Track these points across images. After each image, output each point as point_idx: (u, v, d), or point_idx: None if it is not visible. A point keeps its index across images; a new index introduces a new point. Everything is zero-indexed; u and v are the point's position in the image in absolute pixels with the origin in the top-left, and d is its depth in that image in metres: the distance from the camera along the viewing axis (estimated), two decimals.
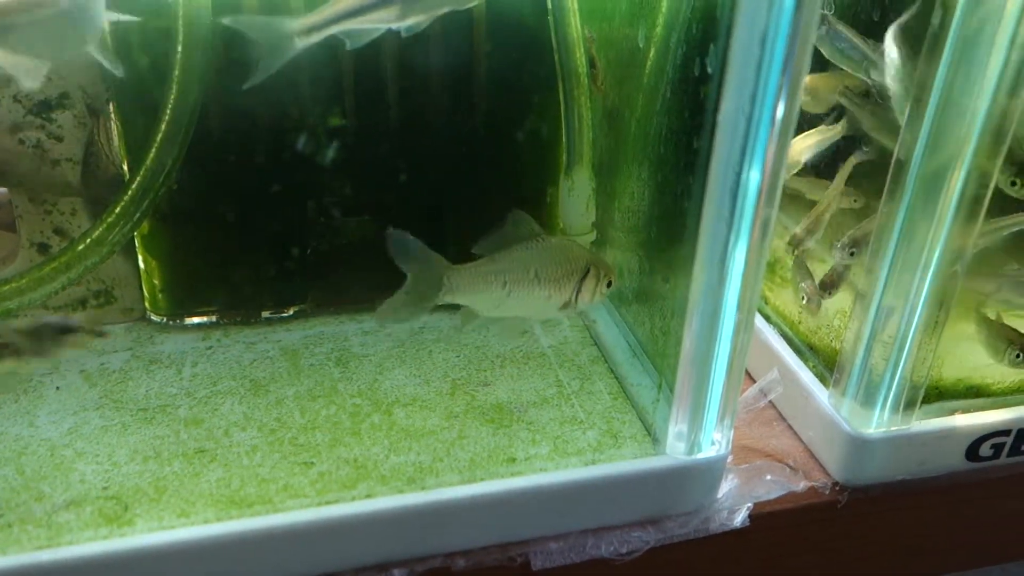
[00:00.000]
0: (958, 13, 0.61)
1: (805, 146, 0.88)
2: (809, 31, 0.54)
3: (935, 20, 0.63)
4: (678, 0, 0.71)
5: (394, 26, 0.65)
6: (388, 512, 0.65)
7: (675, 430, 0.70)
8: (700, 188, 0.61)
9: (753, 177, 0.59)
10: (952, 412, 0.78)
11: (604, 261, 0.80)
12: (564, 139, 0.88)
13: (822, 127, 0.89)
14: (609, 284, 0.78)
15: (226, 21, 0.64)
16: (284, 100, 0.80)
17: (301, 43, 0.64)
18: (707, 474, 0.71)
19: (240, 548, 0.63)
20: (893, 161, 0.68)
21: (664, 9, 0.73)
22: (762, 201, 0.60)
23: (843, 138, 0.88)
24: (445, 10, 0.66)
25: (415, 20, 0.66)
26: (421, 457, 0.71)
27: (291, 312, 0.90)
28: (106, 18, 0.63)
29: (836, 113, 0.88)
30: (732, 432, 0.71)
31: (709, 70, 0.61)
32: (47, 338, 0.66)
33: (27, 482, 0.67)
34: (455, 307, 0.92)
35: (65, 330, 0.66)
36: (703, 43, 0.62)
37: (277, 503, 0.65)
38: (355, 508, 0.65)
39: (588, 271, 0.77)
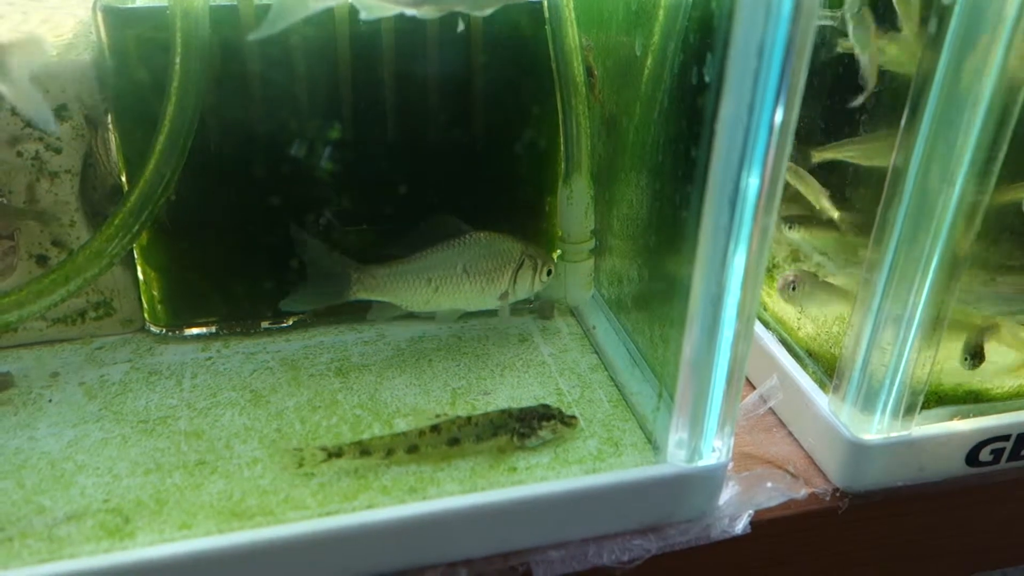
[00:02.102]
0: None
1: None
2: (806, 40, 0.55)
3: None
4: (675, 10, 0.71)
5: (407, 11, 0.67)
6: (389, 523, 0.65)
7: (675, 438, 0.70)
8: (699, 196, 0.61)
9: (752, 185, 0.59)
10: (952, 417, 0.78)
11: (541, 252, 0.84)
12: (562, 148, 0.88)
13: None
14: (549, 273, 0.84)
15: None
16: (282, 112, 0.80)
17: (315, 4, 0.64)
18: (708, 482, 0.71)
19: (242, 560, 0.63)
20: (891, 168, 0.68)
21: (661, 19, 0.73)
22: (761, 209, 0.60)
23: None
24: (459, 9, 0.68)
25: (428, 10, 0.66)
26: (422, 467, 0.71)
27: (290, 322, 0.90)
28: None
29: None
30: (733, 439, 0.71)
31: (707, 79, 0.61)
32: None
33: (27, 496, 0.66)
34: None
35: None
36: (700, 52, 0.63)
37: (278, 515, 0.65)
38: (356, 519, 0.64)
39: (523, 262, 0.83)
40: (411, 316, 0.90)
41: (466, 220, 0.90)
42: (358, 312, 0.91)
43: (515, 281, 0.83)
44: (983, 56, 0.62)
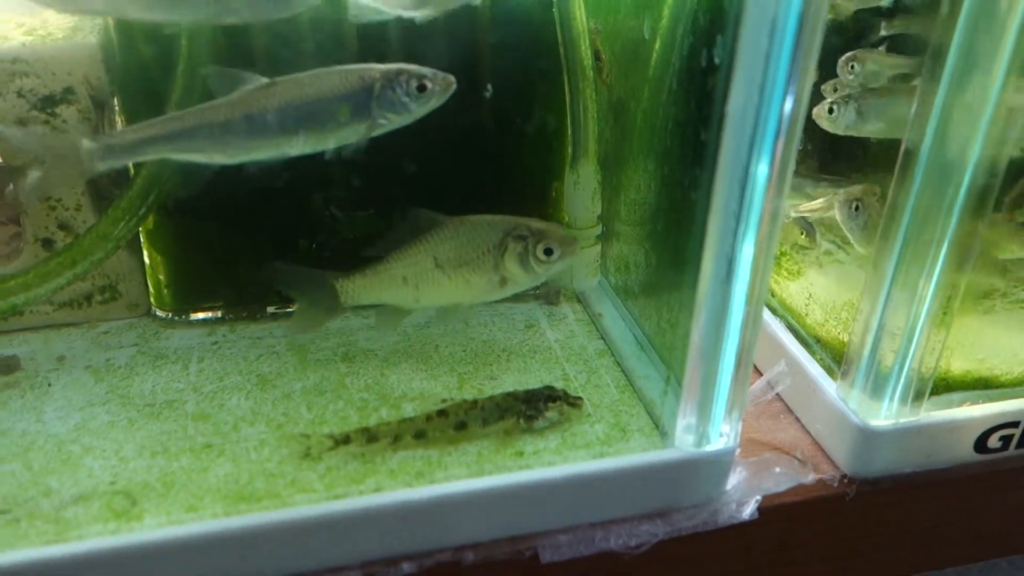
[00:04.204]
0: None
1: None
2: (818, 20, 0.54)
3: None
4: None
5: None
6: (396, 506, 0.65)
7: (683, 423, 0.70)
8: (708, 180, 0.61)
9: (762, 169, 0.59)
10: (961, 404, 0.77)
11: (540, 229, 0.78)
12: (569, 132, 0.88)
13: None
14: (549, 252, 0.77)
15: None
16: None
17: None
18: (716, 467, 0.71)
19: (248, 543, 0.63)
20: (902, 151, 0.68)
21: (670, 1, 0.73)
22: (771, 193, 0.60)
23: None
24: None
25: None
26: (429, 451, 0.70)
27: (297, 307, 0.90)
28: None
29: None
30: (740, 425, 0.71)
31: (717, 61, 0.60)
32: None
33: (35, 477, 0.66)
34: None
35: None
36: (710, 34, 0.62)
37: (285, 498, 0.65)
38: (364, 502, 0.64)
39: (506, 245, 0.77)
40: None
41: (473, 205, 0.89)
42: None
43: (504, 266, 0.78)
44: (1000, 26, 0.61)
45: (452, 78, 0.72)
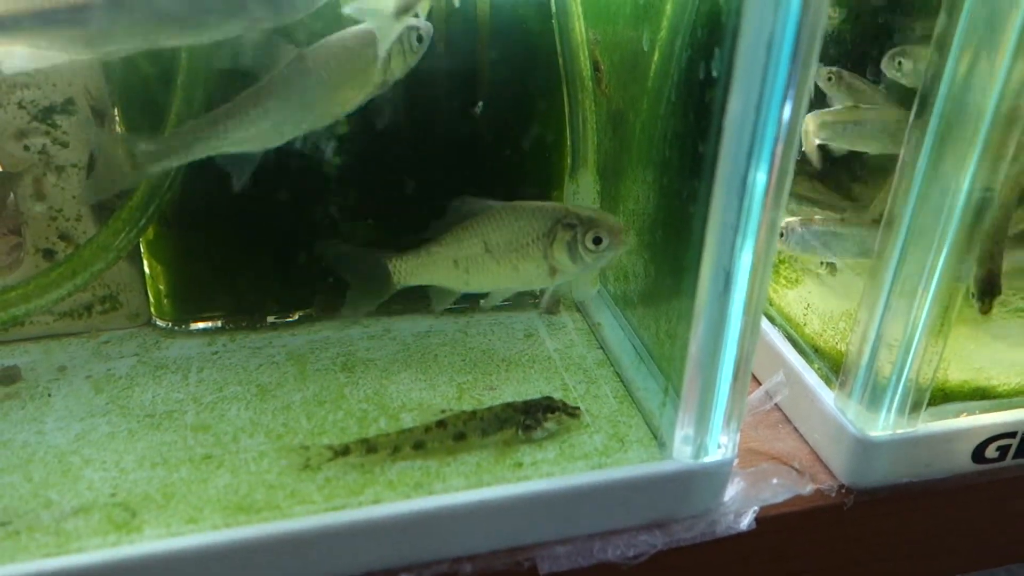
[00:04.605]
0: None
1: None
2: (815, 34, 0.54)
3: None
4: (682, 4, 0.71)
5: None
6: (395, 518, 0.65)
7: (681, 434, 0.70)
8: (706, 191, 0.61)
9: (759, 180, 0.59)
10: (958, 414, 0.78)
11: (584, 216, 0.76)
12: (568, 142, 0.88)
13: None
14: (598, 241, 0.76)
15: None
16: None
17: None
18: (714, 478, 0.71)
19: (248, 554, 0.63)
20: (899, 166, 0.68)
21: (668, 13, 0.73)
22: (768, 204, 0.60)
23: None
24: None
25: None
26: (428, 462, 0.71)
27: (296, 317, 0.90)
28: None
29: None
30: (738, 436, 0.71)
31: (715, 74, 0.61)
32: None
33: (35, 489, 0.67)
34: (461, 310, 0.93)
35: None
36: (708, 47, 0.62)
37: (285, 509, 0.65)
38: (362, 514, 0.65)
39: (555, 233, 0.76)
40: (418, 310, 0.91)
41: None
42: None
43: (553, 255, 0.77)
44: (996, 42, 0.62)
45: (430, 26, 0.74)
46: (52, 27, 0.63)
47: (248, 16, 0.64)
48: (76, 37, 0.64)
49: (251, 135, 0.71)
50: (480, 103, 0.85)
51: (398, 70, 0.74)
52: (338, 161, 0.83)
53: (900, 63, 0.88)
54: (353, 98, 0.73)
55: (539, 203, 0.79)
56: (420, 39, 0.73)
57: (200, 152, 0.71)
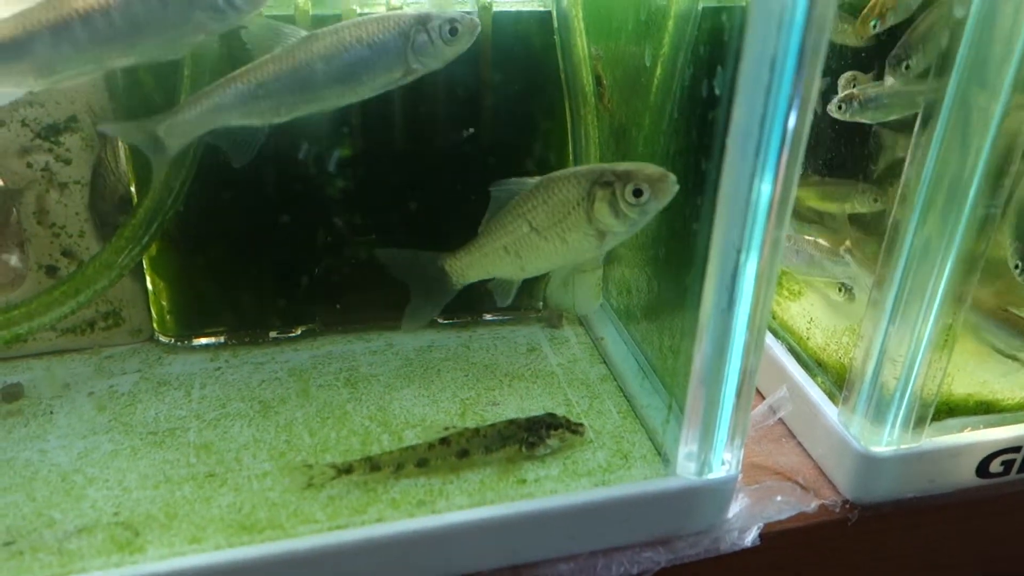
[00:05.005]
0: None
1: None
2: (818, 53, 0.54)
3: None
4: (684, 20, 0.71)
5: None
6: (399, 536, 0.65)
7: (685, 450, 0.70)
8: (709, 208, 0.61)
9: (763, 197, 0.59)
10: (962, 429, 0.77)
11: (621, 170, 0.71)
12: (571, 157, 0.88)
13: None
14: (638, 193, 0.70)
15: None
16: (292, 123, 0.79)
17: None
18: (718, 494, 0.71)
19: (251, 574, 0.63)
20: (901, 182, 0.68)
21: (670, 29, 0.73)
22: (772, 222, 0.60)
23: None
24: None
25: None
26: (431, 479, 0.70)
27: (299, 332, 0.90)
28: None
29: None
30: (742, 452, 0.71)
31: (717, 92, 0.61)
32: None
33: (38, 508, 0.66)
34: (464, 324, 0.93)
35: None
36: (711, 64, 0.62)
37: (288, 528, 0.65)
38: (366, 533, 0.64)
39: (594, 196, 0.72)
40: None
41: (475, 231, 0.89)
42: (365, 321, 0.91)
43: (595, 217, 0.72)
44: (994, 76, 0.62)
45: (477, 20, 0.72)
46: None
47: (192, 24, 0.65)
48: (25, 70, 0.65)
49: (255, 113, 0.71)
50: (470, 129, 0.85)
51: (425, 62, 0.71)
52: (340, 180, 0.83)
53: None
54: (359, 90, 0.72)
55: (574, 168, 0.75)
56: (454, 31, 0.71)
57: (210, 125, 0.71)
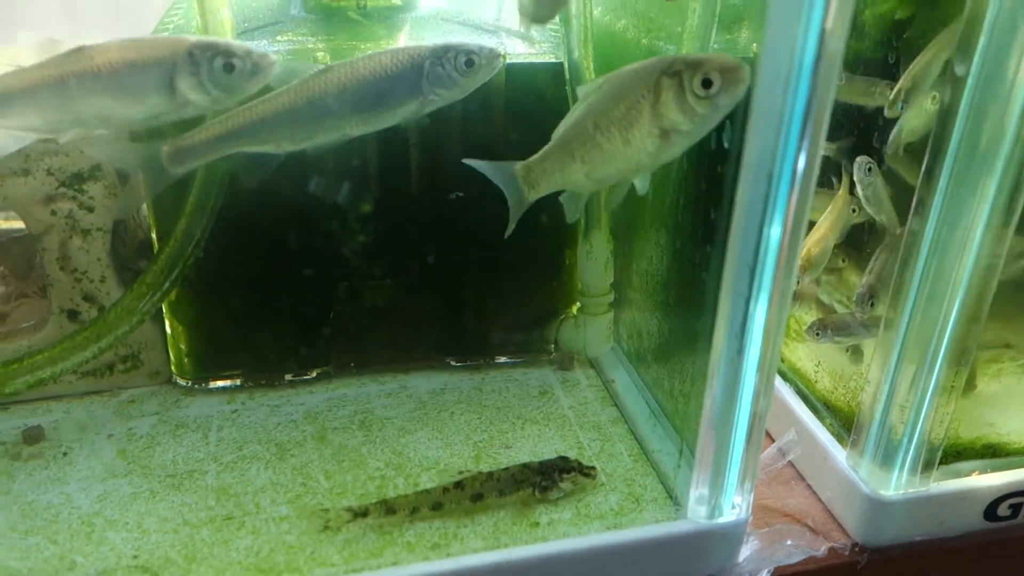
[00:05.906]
0: None
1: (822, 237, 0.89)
2: (824, 110, 0.56)
3: None
4: None
5: None
6: None
7: (696, 494, 0.71)
8: (718, 258, 0.62)
9: (772, 247, 0.60)
10: (970, 472, 0.78)
11: (691, 59, 0.62)
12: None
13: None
14: (707, 83, 0.61)
15: None
16: (310, 171, 0.81)
17: None
18: (728, 539, 0.72)
19: None
20: (907, 229, 0.69)
21: None
22: (780, 271, 0.61)
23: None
24: None
25: None
26: (446, 523, 0.71)
27: (314, 375, 0.92)
28: None
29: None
30: (752, 495, 0.72)
31: (726, 145, 0.62)
32: None
33: (60, 552, 0.68)
34: (476, 367, 0.94)
35: None
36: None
37: (305, 571, 0.66)
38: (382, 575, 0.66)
39: (660, 85, 0.62)
40: (433, 366, 0.92)
41: (488, 275, 0.91)
42: (379, 364, 0.93)
43: (660, 112, 0.63)
44: (1000, 120, 0.63)
45: (499, 51, 0.72)
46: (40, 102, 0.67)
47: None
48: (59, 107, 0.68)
49: (268, 140, 0.72)
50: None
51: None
52: (360, 238, 0.85)
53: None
54: (375, 121, 0.73)
55: (648, 59, 0.66)
56: (471, 63, 0.70)
57: (220, 152, 0.73)
